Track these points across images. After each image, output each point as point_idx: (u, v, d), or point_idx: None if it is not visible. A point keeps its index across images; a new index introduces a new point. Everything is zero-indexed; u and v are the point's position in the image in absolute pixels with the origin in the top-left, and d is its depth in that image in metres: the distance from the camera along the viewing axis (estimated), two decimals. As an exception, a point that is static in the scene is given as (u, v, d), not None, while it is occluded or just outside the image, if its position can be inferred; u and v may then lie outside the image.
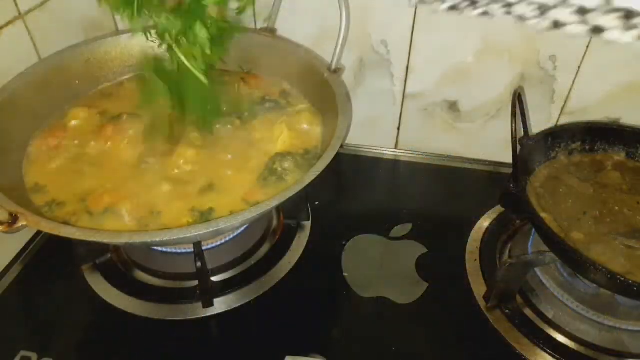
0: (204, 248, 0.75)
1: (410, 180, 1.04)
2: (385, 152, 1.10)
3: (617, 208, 0.76)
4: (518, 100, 0.76)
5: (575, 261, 0.66)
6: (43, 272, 0.83)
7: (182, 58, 0.71)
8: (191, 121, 0.80)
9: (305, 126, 0.84)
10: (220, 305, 0.77)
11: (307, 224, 0.90)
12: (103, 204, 0.70)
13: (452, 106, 1.01)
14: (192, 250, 0.72)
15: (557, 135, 0.84)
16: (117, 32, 0.97)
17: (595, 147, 0.85)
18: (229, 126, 0.83)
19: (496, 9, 0.37)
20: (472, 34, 0.90)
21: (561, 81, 0.92)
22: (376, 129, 1.08)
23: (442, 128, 1.04)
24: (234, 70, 0.96)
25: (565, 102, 0.95)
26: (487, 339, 0.75)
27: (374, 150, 1.10)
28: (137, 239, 0.60)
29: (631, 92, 0.90)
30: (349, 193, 1.00)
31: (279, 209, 0.92)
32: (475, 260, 0.85)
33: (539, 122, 0.98)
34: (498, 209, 0.92)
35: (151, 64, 0.78)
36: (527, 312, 0.77)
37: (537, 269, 0.80)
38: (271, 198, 0.63)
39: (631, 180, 0.81)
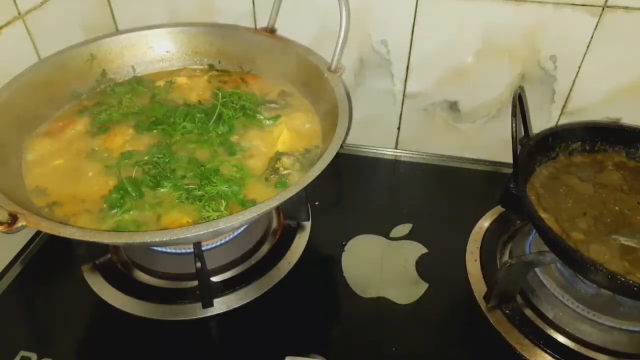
0: (203, 248, 0.75)
1: (410, 180, 1.04)
2: (385, 152, 1.10)
3: (617, 208, 0.76)
4: (518, 100, 0.76)
5: (575, 261, 0.66)
6: (43, 272, 0.83)
7: None
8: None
9: (305, 126, 0.84)
10: (220, 305, 0.77)
11: (307, 224, 0.90)
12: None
13: (452, 106, 1.01)
14: (192, 250, 0.72)
15: (557, 135, 0.84)
16: (117, 32, 0.97)
17: (596, 147, 0.85)
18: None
19: None
20: (472, 34, 0.90)
21: (561, 81, 0.92)
22: (376, 129, 1.08)
23: (442, 128, 1.04)
24: (234, 70, 0.97)
25: (566, 102, 0.95)
26: (487, 339, 0.74)
27: (374, 150, 1.10)
28: (137, 239, 0.60)
29: (631, 92, 0.90)
30: (349, 193, 1.00)
31: (279, 209, 0.92)
32: (476, 260, 0.85)
33: (539, 122, 0.98)
34: (498, 209, 0.92)
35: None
36: (528, 312, 0.77)
37: (537, 269, 0.80)
38: (271, 198, 0.63)
39: (631, 180, 0.81)
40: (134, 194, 0.70)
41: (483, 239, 0.88)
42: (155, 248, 0.81)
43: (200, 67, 0.98)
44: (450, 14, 0.88)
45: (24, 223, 0.58)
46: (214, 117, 0.82)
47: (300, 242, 0.87)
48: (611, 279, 0.62)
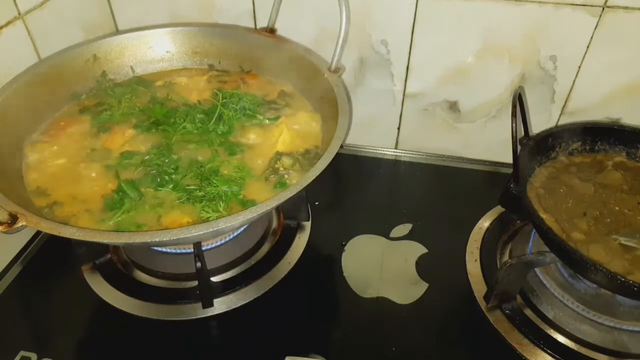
0: (204, 248, 0.76)
1: (410, 180, 1.04)
2: (385, 152, 1.10)
3: (617, 208, 0.76)
4: (518, 100, 0.76)
5: (575, 261, 0.66)
6: (43, 272, 0.83)
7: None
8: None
9: (304, 126, 0.84)
10: (220, 305, 0.77)
11: (307, 224, 0.90)
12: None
13: (452, 106, 1.01)
14: (192, 250, 0.72)
15: (557, 135, 0.84)
16: (117, 32, 0.97)
17: (596, 147, 0.85)
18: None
19: None
20: (472, 34, 0.90)
21: (561, 81, 0.92)
22: (376, 129, 1.08)
23: (442, 128, 1.04)
24: (234, 70, 0.97)
25: (566, 102, 0.95)
26: (487, 339, 0.74)
27: (374, 150, 1.10)
28: (137, 239, 0.60)
29: (631, 92, 0.90)
30: (349, 193, 1.00)
31: (279, 209, 0.92)
32: (476, 260, 0.85)
33: (539, 122, 0.98)
34: (498, 209, 0.92)
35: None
36: (528, 312, 0.77)
37: (537, 269, 0.80)
38: (271, 198, 0.63)
39: (631, 180, 0.81)
40: (132, 196, 0.70)
41: (483, 239, 0.88)
42: (155, 248, 0.81)
43: (200, 67, 0.98)
44: (450, 14, 0.88)
45: (24, 223, 0.58)
46: (214, 117, 0.83)
47: (300, 242, 0.87)
48: (611, 279, 0.62)
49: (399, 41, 0.94)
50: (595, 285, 0.73)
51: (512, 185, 0.80)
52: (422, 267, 0.84)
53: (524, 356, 0.71)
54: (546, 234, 0.69)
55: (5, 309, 0.79)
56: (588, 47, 0.87)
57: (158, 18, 1.01)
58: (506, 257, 0.85)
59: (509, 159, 0.77)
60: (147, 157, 0.77)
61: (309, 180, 0.65)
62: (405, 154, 1.09)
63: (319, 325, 0.76)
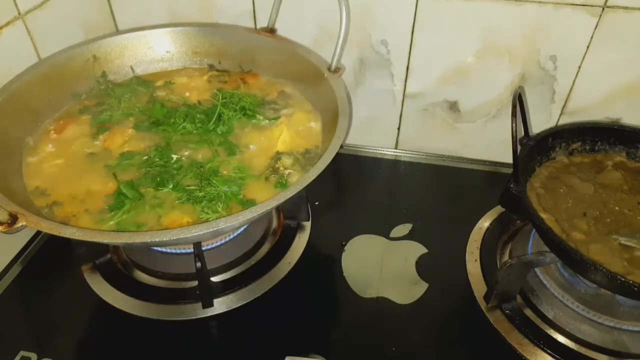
0: (204, 248, 0.76)
1: (410, 180, 1.04)
2: (385, 152, 1.10)
3: (617, 208, 0.76)
4: (518, 100, 0.76)
5: (575, 261, 0.66)
6: (43, 272, 0.83)
7: None
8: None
9: (305, 126, 0.84)
10: (220, 305, 0.77)
11: (307, 224, 0.90)
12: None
13: (452, 106, 1.01)
14: (192, 250, 0.72)
15: (557, 135, 0.84)
16: (117, 32, 0.97)
17: (596, 147, 0.85)
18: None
19: None
20: (472, 34, 0.90)
21: (561, 81, 0.92)
22: (376, 129, 1.08)
23: (442, 128, 1.04)
24: (234, 71, 0.97)
25: (566, 102, 0.95)
26: (487, 339, 0.74)
27: (374, 150, 1.10)
28: (137, 239, 0.60)
29: (631, 92, 0.90)
30: (349, 193, 1.00)
31: (279, 209, 0.92)
32: (476, 260, 0.85)
33: (539, 122, 0.98)
34: (498, 209, 0.92)
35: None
36: (528, 312, 0.77)
37: (537, 269, 0.80)
38: (271, 198, 0.63)
39: (631, 180, 0.81)
40: (131, 197, 0.70)
41: (483, 239, 0.88)
42: (155, 248, 0.81)
43: (200, 67, 0.98)
44: (450, 14, 0.88)
45: (24, 223, 0.58)
46: (214, 117, 0.83)
47: (300, 242, 0.87)
48: (611, 279, 0.62)
49: (399, 41, 0.94)
50: (595, 285, 0.74)
51: (512, 185, 0.80)
52: (422, 267, 0.84)
53: (524, 356, 0.71)
54: (546, 234, 0.69)
55: (5, 309, 0.78)
56: (588, 47, 0.87)
57: (158, 18, 1.01)
58: (506, 257, 0.85)
59: (509, 159, 0.77)
60: (145, 157, 0.77)
61: (309, 180, 0.65)
62: (405, 154, 1.09)
63: (319, 325, 0.76)
